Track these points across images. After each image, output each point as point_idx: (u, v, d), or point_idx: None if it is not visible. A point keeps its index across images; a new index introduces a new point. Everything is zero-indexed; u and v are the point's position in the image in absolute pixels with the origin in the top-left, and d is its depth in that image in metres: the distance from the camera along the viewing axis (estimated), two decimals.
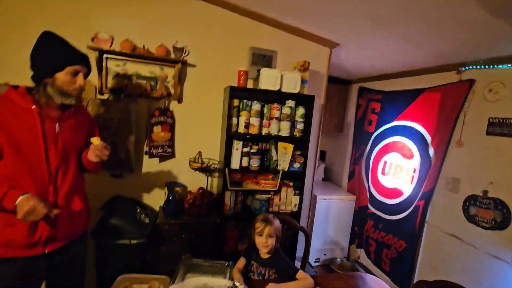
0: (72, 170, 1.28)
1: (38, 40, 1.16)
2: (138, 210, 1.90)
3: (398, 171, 2.68)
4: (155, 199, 2.14)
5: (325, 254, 3.18)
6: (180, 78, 2.12)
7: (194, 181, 2.23)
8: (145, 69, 2.06)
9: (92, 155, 1.28)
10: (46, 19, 1.84)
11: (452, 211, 2.10)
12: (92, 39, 1.89)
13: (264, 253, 1.58)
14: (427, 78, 2.42)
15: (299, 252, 2.51)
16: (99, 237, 1.66)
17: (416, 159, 2.48)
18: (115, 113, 1.91)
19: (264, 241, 1.52)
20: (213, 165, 2.16)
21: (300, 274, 1.48)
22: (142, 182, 2.12)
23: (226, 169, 1.99)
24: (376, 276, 1.80)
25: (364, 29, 2.00)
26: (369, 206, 2.98)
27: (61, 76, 1.15)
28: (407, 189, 2.54)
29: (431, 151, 2.31)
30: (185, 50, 2.10)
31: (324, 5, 1.82)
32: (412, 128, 2.55)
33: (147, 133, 2.06)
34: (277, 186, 2.12)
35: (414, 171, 2.49)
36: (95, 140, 1.27)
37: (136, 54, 1.96)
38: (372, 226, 2.90)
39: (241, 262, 1.61)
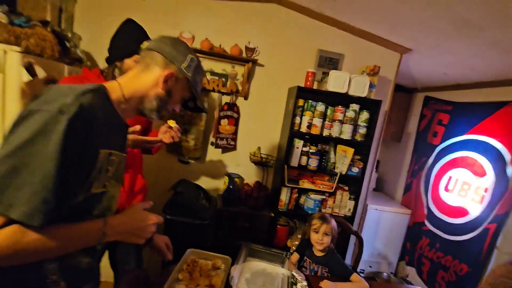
0: (137, 150, 1.38)
1: (120, 26, 1.24)
2: (201, 194, 2.07)
3: (465, 189, 2.47)
4: (215, 186, 2.31)
5: (370, 267, 3.07)
6: (249, 76, 2.25)
7: (251, 174, 2.35)
8: (219, 66, 2.23)
9: (166, 137, 1.30)
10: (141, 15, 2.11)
11: None
12: None
13: (318, 251, 1.61)
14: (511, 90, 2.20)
15: (348, 259, 2.48)
16: (169, 214, 1.86)
17: (490, 178, 2.26)
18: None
19: (320, 238, 1.55)
20: (270, 161, 2.25)
21: (355, 277, 1.48)
22: (205, 170, 2.30)
23: (285, 166, 2.06)
24: None
25: (444, 34, 1.90)
26: (426, 222, 2.79)
27: (129, 62, 1.20)
28: (475, 210, 2.33)
29: (510, 170, 2.09)
30: (256, 50, 2.22)
31: (399, 7, 1.78)
32: (487, 143, 2.33)
33: (215, 125, 2.23)
34: (333, 188, 2.12)
35: (486, 191, 2.27)
36: (172, 123, 1.32)
37: (213, 53, 2.13)
38: (428, 244, 2.72)
39: (295, 256, 1.66)
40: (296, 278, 1.32)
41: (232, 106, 2.23)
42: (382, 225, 2.99)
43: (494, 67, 2.13)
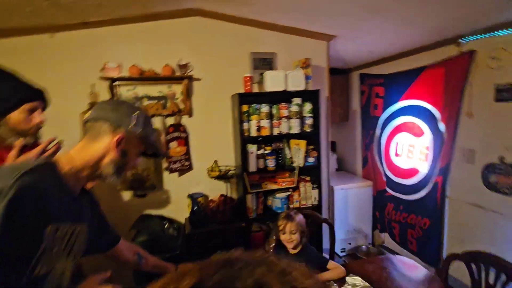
0: None
1: None
2: (166, 225, 1.98)
3: (411, 150, 2.69)
4: (181, 211, 2.22)
5: (349, 244, 3.21)
6: (188, 93, 2.20)
7: (214, 189, 2.30)
8: (154, 90, 2.14)
9: None
10: (57, 55, 1.95)
11: (471, 182, 2.11)
12: (102, 70, 1.99)
13: (291, 249, 1.64)
14: (429, 55, 2.44)
15: (325, 244, 2.56)
16: None
17: (428, 136, 2.49)
18: (154, 138, 2.00)
19: (288, 237, 1.57)
20: (230, 172, 2.23)
21: (331, 264, 1.53)
22: (166, 198, 2.21)
23: (245, 173, 2.06)
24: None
25: (360, 18, 2.04)
26: (387, 189, 3.00)
27: (17, 115, 1.02)
28: (423, 167, 2.56)
29: (442, 126, 2.33)
30: (189, 66, 2.18)
31: (317, 0, 1.87)
32: (419, 106, 2.56)
33: (165, 149, 2.14)
34: (295, 183, 2.17)
35: (428, 149, 2.51)
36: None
37: (144, 77, 2.05)
38: (393, 208, 2.92)
39: None
40: None
41: (178, 127, 2.17)
42: (351, 202, 3.14)
43: (407, 38, 2.35)
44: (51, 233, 0.65)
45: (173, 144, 2.14)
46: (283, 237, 1.58)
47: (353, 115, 3.56)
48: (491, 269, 1.31)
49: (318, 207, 2.25)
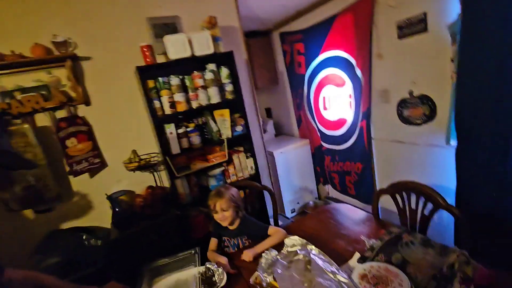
0: None
1: None
2: (84, 236, 1.67)
3: (337, 101, 2.75)
4: (103, 217, 1.91)
5: (298, 203, 3.28)
6: (77, 77, 1.80)
7: (140, 183, 2.02)
8: (27, 79, 1.69)
9: None
10: None
11: (390, 120, 2.23)
12: None
13: (229, 226, 1.52)
14: (340, 2, 2.40)
15: (271, 211, 2.53)
16: None
17: (349, 85, 2.55)
18: (7, 145, 1.57)
19: (220, 216, 1.44)
20: (153, 159, 1.97)
21: (271, 229, 1.45)
22: (79, 206, 1.86)
23: (167, 158, 1.82)
24: (346, 203, 1.88)
25: None
26: (323, 144, 3.08)
27: None
28: (349, 116, 2.64)
29: (358, 72, 2.38)
30: (70, 43, 1.76)
31: None
32: (337, 57, 2.57)
33: (62, 150, 1.76)
34: (227, 156, 2.02)
35: (350, 97, 2.57)
36: None
37: (6, 64, 1.58)
38: (331, 160, 3.02)
39: (213, 242, 1.54)
40: (212, 270, 1.20)
41: (73, 120, 1.78)
42: (292, 164, 3.16)
43: None
44: None
45: (72, 142, 1.76)
46: (216, 217, 1.45)
47: (281, 77, 3.49)
48: (412, 195, 1.37)
49: (256, 176, 2.16)
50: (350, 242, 1.30)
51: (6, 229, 1.64)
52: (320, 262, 1.08)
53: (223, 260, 1.29)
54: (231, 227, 1.52)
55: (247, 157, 2.14)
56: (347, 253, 1.20)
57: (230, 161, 2.08)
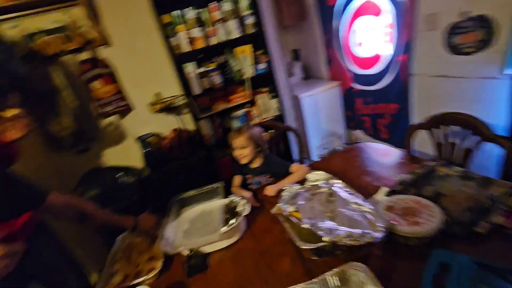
0: None
1: None
2: (119, 174, 1.80)
3: (372, 34, 2.43)
4: (134, 158, 2.01)
5: (325, 148, 3.21)
6: (95, 16, 1.74)
7: (166, 125, 2.06)
8: (47, 21, 1.67)
9: (15, 131, 1.10)
10: None
11: (435, 51, 1.94)
12: None
13: (253, 163, 1.52)
14: None
15: (296, 154, 2.50)
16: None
17: (387, 13, 2.20)
18: (37, 87, 1.63)
19: (239, 153, 1.43)
20: (176, 102, 1.96)
21: (293, 167, 1.43)
22: (112, 146, 1.97)
23: (190, 98, 1.79)
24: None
25: None
26: (354, 85, 2.84)
27: None
28: (386, 50, 2.34)
29: None
30: None
31: None
32: None
33: (89, 93, 1.80)
34: (250, 96, 1.95)
35: (390, 26, 2.25)
36: (11, 112, 1.06)
37: (21, 4, 1.55)
38: (362, 103, 2.82)
39: (237, 179, 1.56)
40: (235, 201, 1.22)
41: (95, 62, 1.78)
42: (320, 107, 3.01)
43: None
44: None
45: (96, 84, 1.79)
46: (234, 154, 1.44)
47: (310, 12, 3.13)
48: (453, 130, 1.23)
49: (281, 117, 2.09)
50: (377, 178, 1.23)
51: (51, 168, 1.81)
52: (343, 194, 1.04)
53: (247, 194, 1.31)
54: (253, 166, 1.52)
55: (271, 98, 2.04)
56: (374, 189, 1.14)
57: (253, 102, 2.01)
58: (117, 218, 1.12)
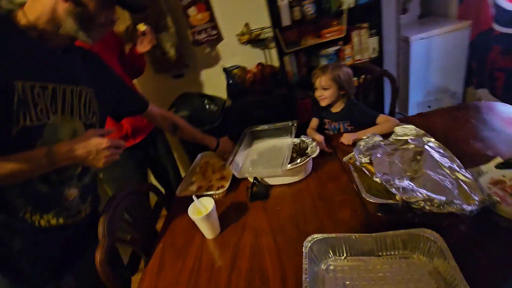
0: None
1: None
2: (206, 101, 1.95)
3: None
4: (219, 88, 2.12)
5: (429, 107, 2.68)
6: None
7: (251, 59, 2.05)
8: None
9: (144, 45, 1.33)
10: None
11: None
12: None
13: (335, 107, 1.39)
14: None
15: (387, 108, 2.18)
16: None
17: None
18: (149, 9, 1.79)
19: (319, 94, 1.30)
20: (263, 34, 1.88)
21: (381, 117, 1.24)
22: (201, 74, 2.11)
23: (276, 30, 1.69)
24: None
25: None
26: (495, 26, 2.12)
27: None
28: None
29: None
30: None
31: None
32: None
33: (185, 19, 1.89)
34: (345, 32, 1.69)
35: None
36: (141, 27, 1.29)
37: None
38: (500, 52, 2.12)
39: (314, 121, 1.48)
40: (306, 142, 1.18)
41: None
42: (434, 55, 2.43)
43: None
44: (26, 88, 0.64)
45: (192, 11, 1.85)
46: (315, 94, 1.33)
47: None
48: None
49: (378, 60, 1.78)
50: (491, 146, 0.96)
51: (151, 86, 2.10)
52: (436, 155, 0.86)
53: (319, 137, 1.24)
54: (333, 110, 1.40)
55: (370, 36, 1.73)
56: (483, 159, 0.90)
57: (347, 40, 1.75)
58: (202, 136, 1.26)
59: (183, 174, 1.59)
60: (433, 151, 0.88)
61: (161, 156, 1.58)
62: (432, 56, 2.44)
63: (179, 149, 2.17)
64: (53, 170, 0.69)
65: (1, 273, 0.68)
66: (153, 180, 1.69)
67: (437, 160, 0.83)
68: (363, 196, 0.79)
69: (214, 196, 1.12)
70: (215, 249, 0.89)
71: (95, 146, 0.71)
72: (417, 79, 2.51)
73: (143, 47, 1.37)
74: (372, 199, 0.76)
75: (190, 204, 0.94)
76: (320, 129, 1.47)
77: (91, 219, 0.87)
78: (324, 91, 1.30)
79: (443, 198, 0.68)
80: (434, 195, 0.70)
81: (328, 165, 1.13)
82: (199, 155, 1.44)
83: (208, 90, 2.14)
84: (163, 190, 1.69)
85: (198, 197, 0.95)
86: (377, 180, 0.82)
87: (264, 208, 1.00)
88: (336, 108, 1.38)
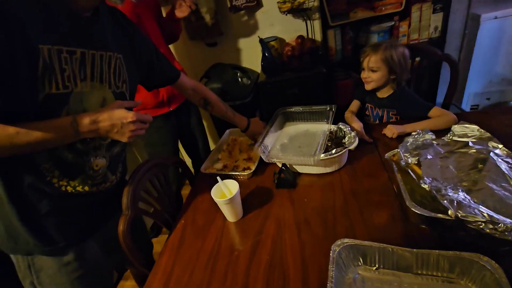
0: None
1: None
2: (238, 73, 1.86)
3: None
4: (254, 59, 2.00)
5: (488, 99, 2.35)
6: None
7: (291, 31, 1.89)
8: None
9: (183, 10, 1.30)
10: None
11: None
12: None
13: (381, 92, 1.24)
14: None
15: (440, 97, 1.93)
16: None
17: None
18: None
19: (366, 75, 1.16)
20: (307, 2, 1.68)
21: (435, 110, 1.08)
22: (236, 44, 2.00)
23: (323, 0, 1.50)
24: None
25: None
26: None
27: None
28: None
29: None
30: None
31: None
32: None
33: None
34: (403, 5, 1.46)
35: None
36: None
37: None
38: None
39: (354, 104, 1.35)
40: (344, 131, 1.07)
41: None
42: (506, 38, 2.07)
43: None
44: (53, 53, 0.60)
45: None
46: (362, 75, 1.19)
47: None
48: None
49: (439, 41, 1.54)
50: None
51: (185, 54, 2.03)
52: (503, 165, 0.72)
53: (358, 124, 1.12)
54: (380, 95, 1.25)
55: (434, 11, 1.48)
56: None
57: (406, 14, 1.52)
58: (233, 114, 1.18)
59: (211, 146, 1.57)
60: (499, 160, 0.74)
61: (193, 126, 1.57)
62: (504, 40, 2.08)
63: (209, 120, 2.14)
64: (78, 140, 0.68)
65: (30, 231, 0.71)
66: (180, 148, 1.69)
67: (504, 172, 0.70)
68: (406, 204, 0.69)
69: (239, 177, 1.07)
70: (235, 234, 0.86)
71: (120, 119, 0.68)
72: (480, 66, 2.18)
73: (181, 11, 1.31)
74: (418, 210, 0.66)
75: (214, 182, 0.91)
76: (359, 115, 1.33)
77: (117, 187, 0.87)
78: (372, 73, 1.15)
79: (510, 222, 0.57)
80: (498, 216, 0.58)
81: (366, 159, 1.02)
82: (227, 131, 1.39)
83: (242, 61, 2.03)
84: (190, 161, 1.71)
85: (222, 177, 0.91)
86: (425, 187, 0.72)
87: (290, 198, 0.94)
88: (383, 94, 1.23)
